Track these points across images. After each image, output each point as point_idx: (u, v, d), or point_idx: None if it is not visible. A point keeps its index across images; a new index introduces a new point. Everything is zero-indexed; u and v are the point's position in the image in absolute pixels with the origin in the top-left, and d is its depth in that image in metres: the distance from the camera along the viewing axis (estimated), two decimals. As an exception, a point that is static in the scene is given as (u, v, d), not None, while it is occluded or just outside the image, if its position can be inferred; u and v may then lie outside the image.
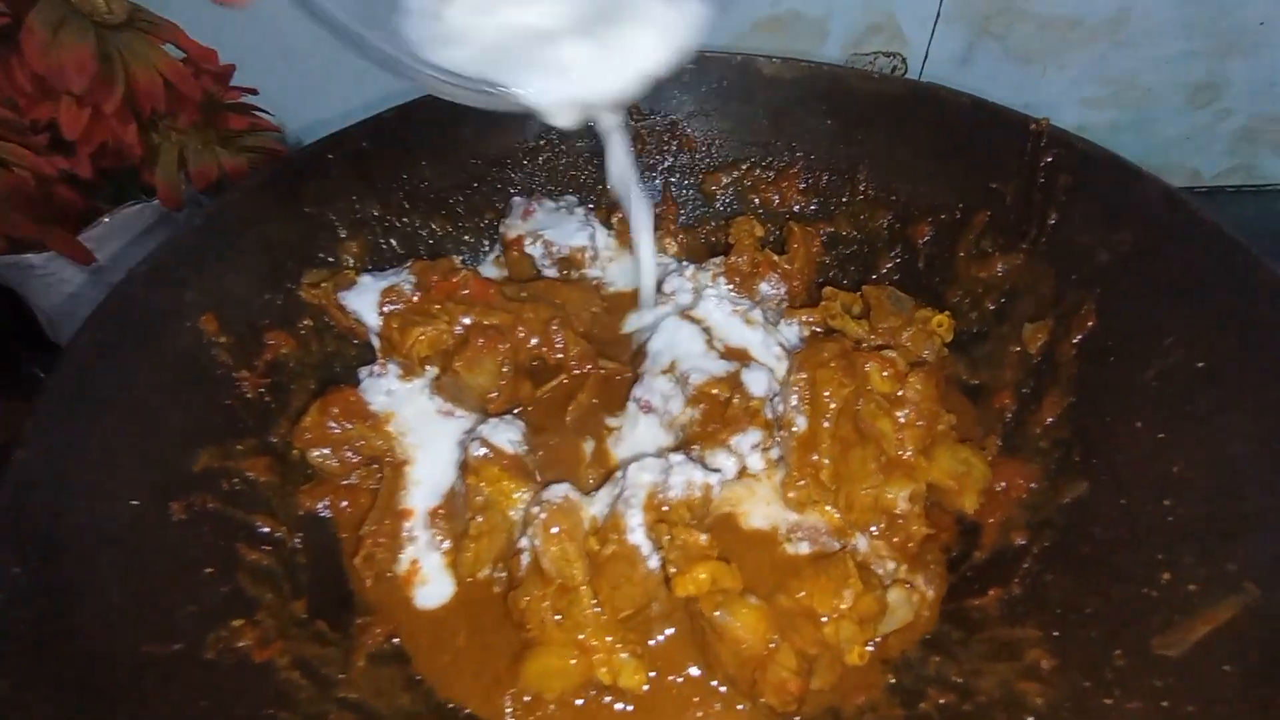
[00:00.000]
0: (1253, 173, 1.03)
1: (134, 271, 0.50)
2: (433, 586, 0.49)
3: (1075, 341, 0.54)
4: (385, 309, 0.56)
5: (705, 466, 0.49)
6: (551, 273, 0.69)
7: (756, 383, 0.52)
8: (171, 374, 0.49)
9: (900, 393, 0.50)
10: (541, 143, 0.75)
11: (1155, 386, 0.47)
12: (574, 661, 0.43)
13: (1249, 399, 0.41)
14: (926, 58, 0.94)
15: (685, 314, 0.57)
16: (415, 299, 0.55)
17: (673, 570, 0.42)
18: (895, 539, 0.50)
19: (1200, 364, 0.45)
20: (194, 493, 0.46)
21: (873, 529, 0.50)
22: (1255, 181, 1.04)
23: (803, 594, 0.45)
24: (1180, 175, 1.03)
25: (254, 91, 0.81)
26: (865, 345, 0.54)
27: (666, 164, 0.78)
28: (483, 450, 0.48)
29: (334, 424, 0.53)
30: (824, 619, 0.44)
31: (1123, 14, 0.87)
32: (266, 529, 0.49)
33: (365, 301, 0.56)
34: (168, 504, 0.44)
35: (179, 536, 0.44)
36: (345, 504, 0.53)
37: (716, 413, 0.51)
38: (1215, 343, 0.45)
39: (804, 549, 0.49)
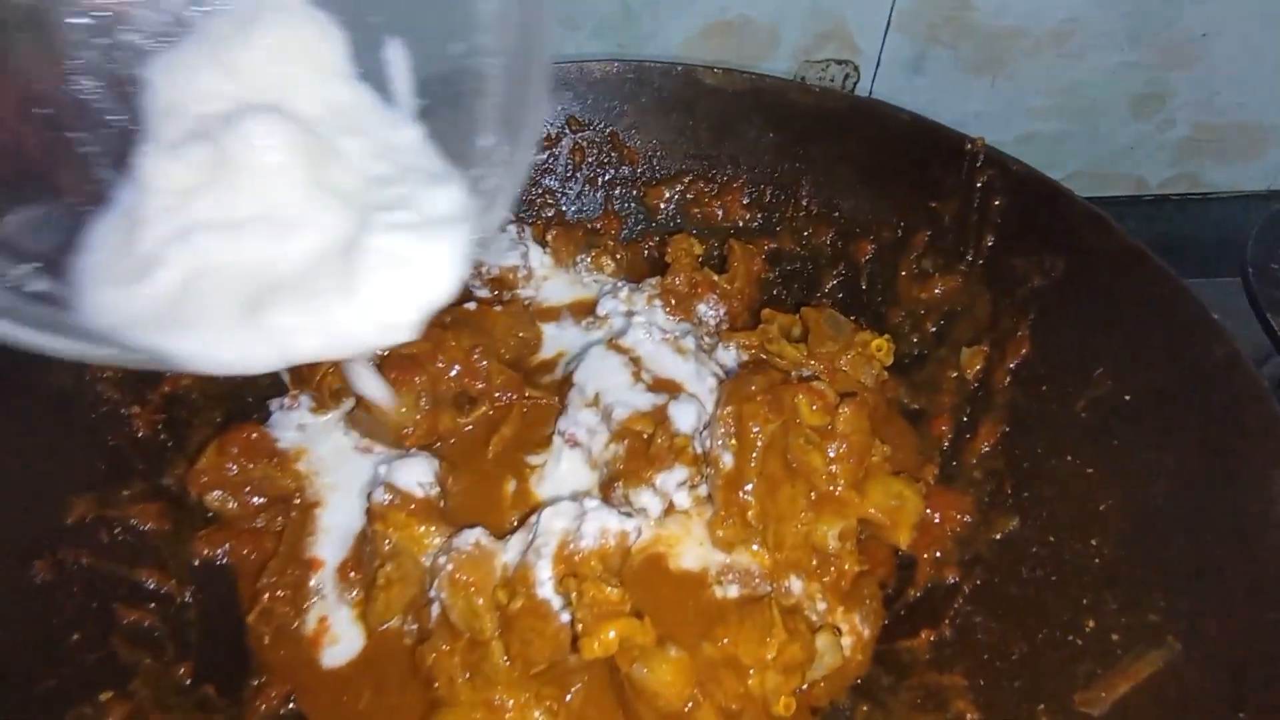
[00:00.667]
0: (1196, 181, 1.05)
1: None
2: (343, 645, 0.46)
3: (1010, 368, 0.53)
4: (293, 338, 0.52)
5: (625, 510, 0.46)
6: (483, 293, 0.66)
7: (684, 416, 0.49)
8: (43, 415, 0.45)
9: (831, 425, 0.48)
10: (475, 154, 0.72)
11: (1084, 419, 0.46)
12: (483, 723, 0.41)
13: (1172, 438, 0.41)
14: (879, 66, 0.92)
15: (612, 343, 0.55)
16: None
17: (580, 629, 0.39)
18: (827, 578, 0.48)
19: (1127, 397, 0.44)
20: (63, 548, 0.42)
21: (805, 569, 0.48)
22: (1199, 190, 1.05)
23: (726, 641, 0.43)
24: (1126, 184, 1.04)
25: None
26: (796, 374, 0.52)
27: (607, 176, 0.75)
28: (387, 496, 0.45)
29: (234, 464, 0.49)
30: (749, 670, 0.42)
31: (1067, 25, 0.87)
32: (152, 584, 0.45)
33: (270, 330, 0.52)
34: (30, 564, 0.40)
35: (42, 601, 0.40)
36: (248, 551, 0.49)
37: (641, 449, 0.48)
38: (1141, 376, 0.44)
39: (733, 592, 0.47)
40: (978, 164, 0.57)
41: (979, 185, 0.57)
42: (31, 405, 0.45)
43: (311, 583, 0.47)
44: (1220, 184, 1.05)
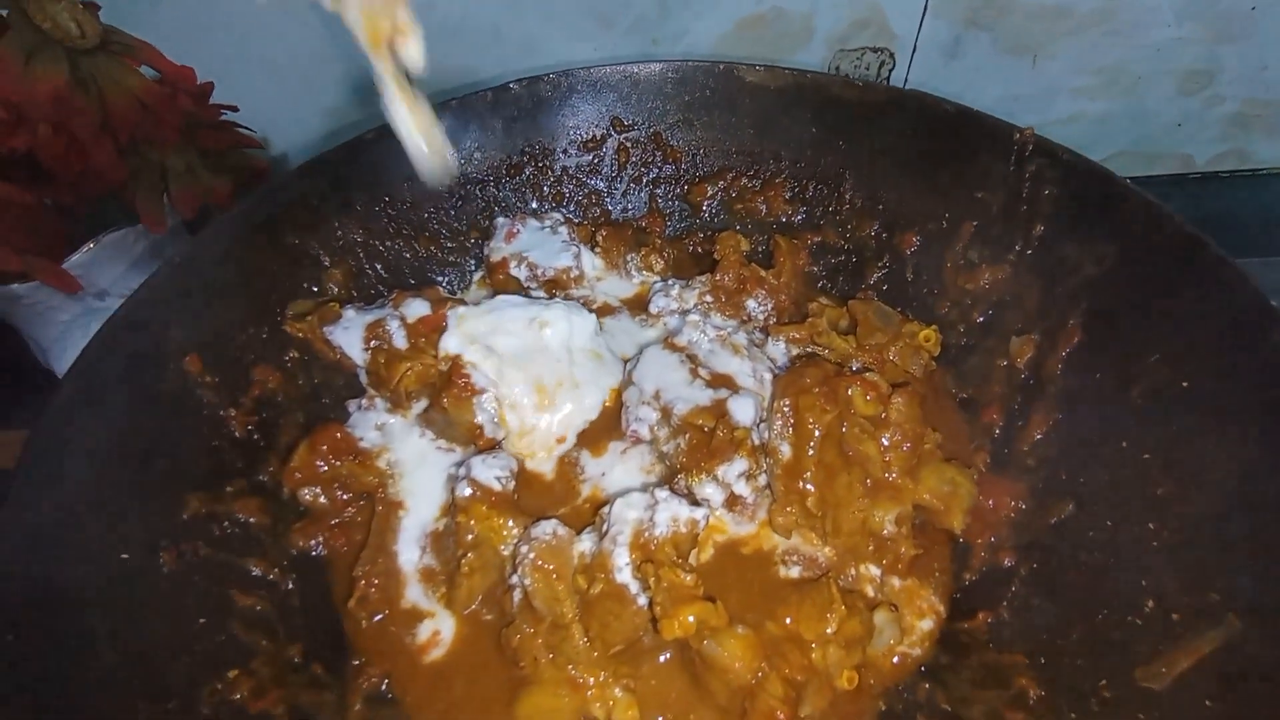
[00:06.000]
0: (1245, 158, 1.02)
1: (114, 318, 0.49)
2: (431, 629, 0.49)
3: (1062, 356, 0.54)
4: (371, 344, 0.56)
5: (691, 499, 0.49)
6: (539, 294, 0.68)
7: (742, 410, 0.51)
8: (158, 420, 0.49)
9: (884, 414, 0.50)
10: (524, 158, 0.74)
11: (1140, 405, 0.47)
12: (567, 699, 0.44)
13: (1230, 423, 0.41)
14: (915, 51, 0.92)
15: (669, 342, 0.57)
16: (400, 335, 0.55)
17: (659, 612, 0.42)
18: (885, 561, 0.50)
19: (1185, 384, 0.45)
20: (184, 540, 0.46)
21: (863, 553, 0.50)
22: (1248, 166, 1.03)
23: (789, 620, 0.46)
24: (1173, 162, 1.02)
25: (234, 108, 0.79)
26: (848, 366, 0.53)
27: (651, 175, 0.77)
28: (469, 489, 0.49)
29: (323, 462, 0.53)
30: (812, 645, 0.45)
31: (1112, 2, 0.85)
32: (259, 572, 0.49)
33: (350, 337, 0.56)
34: (158, 555, 0.44)
35: (170, 588, 0.44)
36: (340, 543, 0.53)
37: (702, 442, 0.51)
38: (1198, 362, 0.44)
39: (795, 573, 0.50)
40: (1027, 153, 0.58)
41: (1028, 175, 0.57)
42: (146, 412, 0.49)
43: (400, 570, 0.51)
44: (1269, 160, 1.02)
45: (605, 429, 0.57)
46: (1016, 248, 0.59)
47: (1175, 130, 0.98)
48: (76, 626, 0.39)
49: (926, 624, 0.49)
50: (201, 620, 0.44)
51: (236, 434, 0.54)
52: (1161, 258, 0.49)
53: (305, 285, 0.63)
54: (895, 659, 0.47)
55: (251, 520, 0.51)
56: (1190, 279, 0.47)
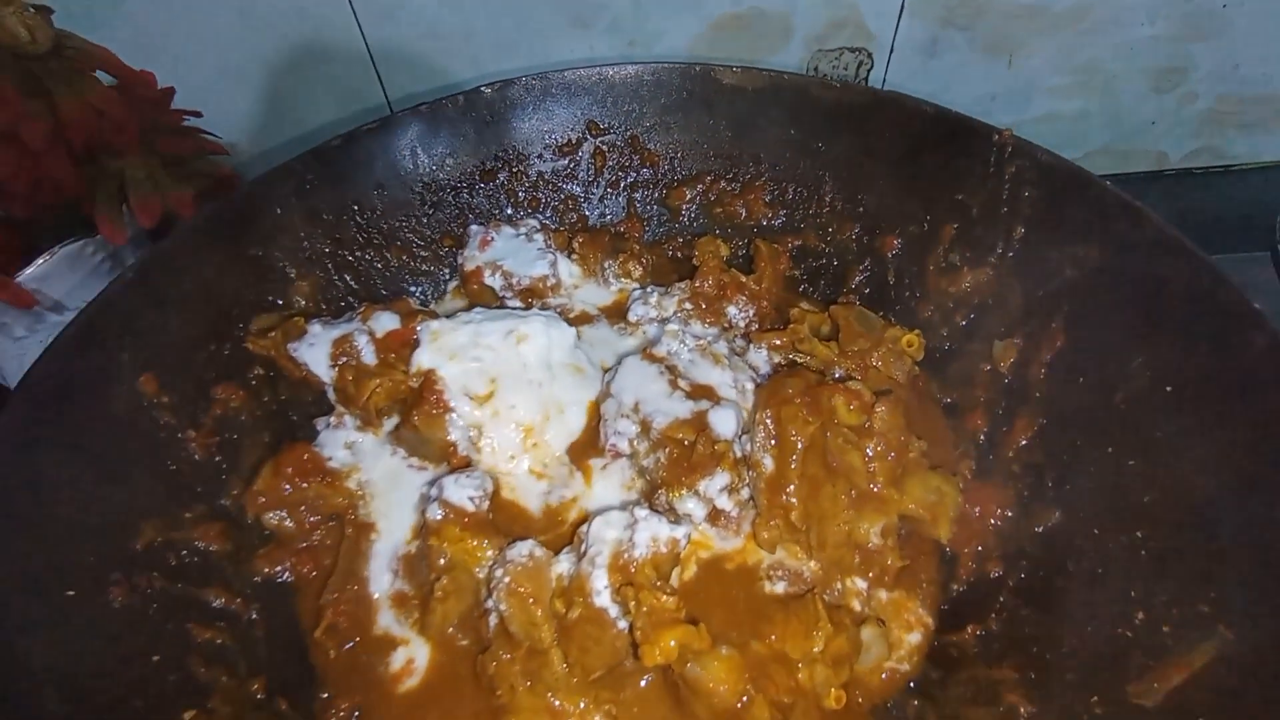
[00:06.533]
0: (1220, 154, 1.03)
1: (61, 337, 0.47)
2: (405, 658, 0.47)
3: (1045, 360, 0.53)
4: (339, 360, 0.54)
5: (672, 517, 0.47)
6: (515, 304, 0.66)
7: (723, 422, 0.50)
8: (108, 445, 0.46)
9: (867, 424, 0.49)
10: (498, 164, 0.72)
11: (1124, 410, 0.46)
12: (546, 729, 0.42)
13: (1216, 428, 0.41)
14: (892, 52, 0.92)
15: (647, 353, 0.55)
16: (369, 350, 0.53)
17: (639, 637, 0.41)
18: (871, 574, 0.49)
19: (1168, 388, 0.44)
20: (137, 572, 0.44)
21: (849, 566, 0.49)
22: (1223, 162, 1.04)
23: (774, 638, 0.45)
24: (1148, 160, 1.03)
25: (197, 114, 0.77)
26: (831, 374, 0.52)
27: (629, 180, 0.75)
28: (441, 511, 0.47)
29: (289, 484, 0.51)
30: (798, 664, 0.44)
31: (1085, 1, 0.85)
32: (220, 602, 0.47)
33: (316, 354, 0.54)
34: (107, 589, 0.42)
35: (121, 624, 0.41)
36: (308, 568, 0.51)
37: (683, 456, 0.49)
38: (1182, 366, 0.44)
39: (780, 588, 0.48)
40: (1006, 154, 0.57)
41: (1008, 176, 0.57)
42: (94, 435, 0.46)
43: (370, 597, 0.49)
44: (1243, 156, 1.03)
45: (588, 444, 0.55)
46: (998, 250, 0.58)
47: (1150, 128, 0.99)
48: (14, 668, 0.36)
49: (914, 637, 0.48)
50: (155, 658, 0.42)
51: (196, 456, 0.52)
52: (1141, 259, 0.48)
53: (270, 299, 0.61)
54: (884, 675, 0.46)
55: (212, 548, 0.49)
56: (1170, 281, 0.46)
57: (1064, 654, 0.42)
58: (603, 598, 0.43)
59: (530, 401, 0.53)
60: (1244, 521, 0.38)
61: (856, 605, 0.49)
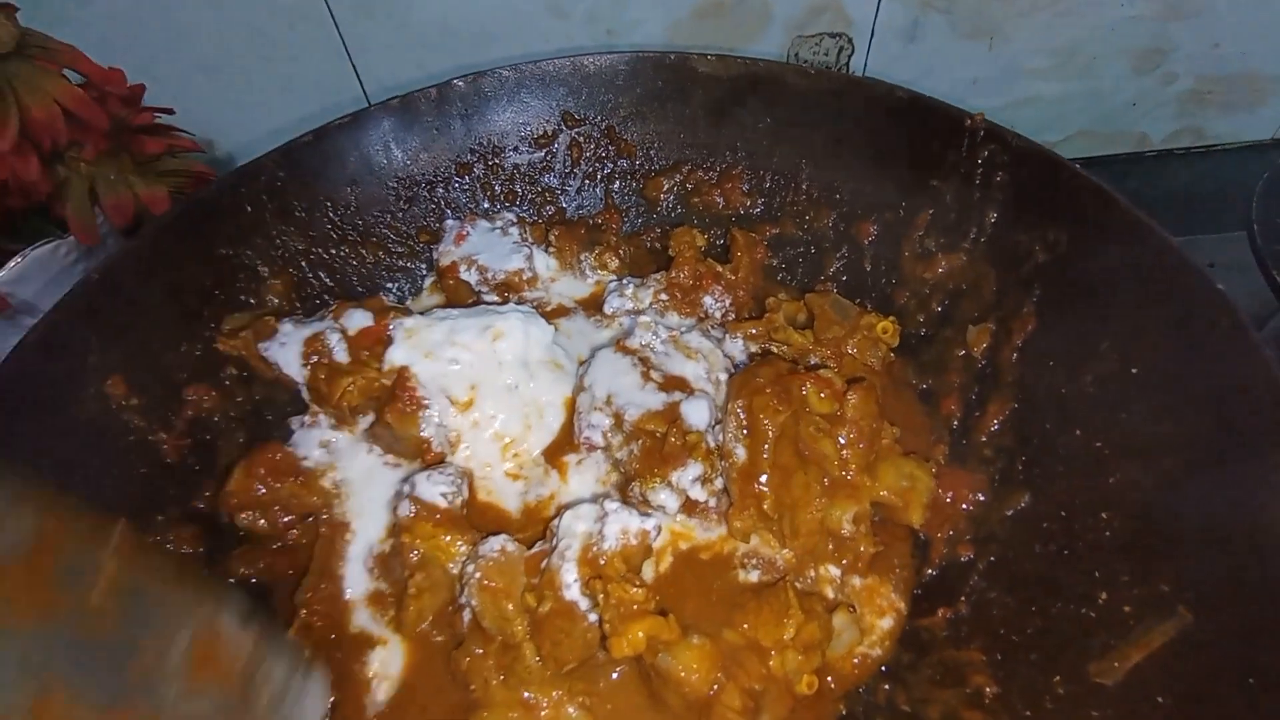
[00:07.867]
0: (1201, 134, 1.03)
1: (24, 342, 0.46)
2: (381, 655, 0.47)
3: (1017, 344, 0.53)
4: (311, 359, 0.53)
5: (644, 509, 0.47)
6: (492, 298, 0.66)
7: (696, 413, 0.50)
8: (75, 450, 0.46)
9: (840, 411, 0.49)
10: (473, 157, 0.72)
11: (1092, 393, 0.47)
12: (520, 721, 0.42)
13: (1179, 411, 0.41)
14: (873, 36, 0.91)
15: (620, 345, 0.55)
16: (341, 348, 0.53)
17: (608, 630, 0.41)
18: (845, 561, 0.49)
19: (1134, 370, 0.44)
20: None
21: (822, 554, 0.49)
22: (1203, 143, 1.04)
23: (746, 626, 0.45)
24: (1129, 141, 1.03)
25: (169, 111, 0.76)
26: (805, 362, 0.52)
27: (606, 171, 0.75)
28: (412, 508, 0.47)
29: (262, 485, 0.51)
30: (770, 652, 0.44)
31: (1064, -17, 0.85)
32: (195, 605, 0.47)
33: (287, 353, 0.53)
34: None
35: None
36: (284, 568, 0.51)
37: (655, 448, 0.49)
38: (1147, 350, 0.44)
39: (754, 577, 0.49)
40: (978, 139, 0.57)
41: (980, 161, 0.57)
42: (62, 439, 0.46)
43: (345, 595, 0.49)
44: (1224, 135, 1.03)
45: (564, 441, 0.55)
46: (971, 235, 0.58)
47: (1130, 109, 0.99)
48: None
49: (887, 622, 0.48)
50: (129, 660, 0.42)
51: (169, 459, 0.51)
52: (1109, 243, 0.49)
53: (243, 298, 0.61)
54: (855, 660, 0.46)
55: (185, 550, 0.49)
56: (1137, 264, 0.47)
57: (1029, 635, 0.42)
58: (573, 591, 0.43)
59: (511, 411, 0.53)
60: (1203, 504, 0.38)
61: (830, 592, 0.49)
